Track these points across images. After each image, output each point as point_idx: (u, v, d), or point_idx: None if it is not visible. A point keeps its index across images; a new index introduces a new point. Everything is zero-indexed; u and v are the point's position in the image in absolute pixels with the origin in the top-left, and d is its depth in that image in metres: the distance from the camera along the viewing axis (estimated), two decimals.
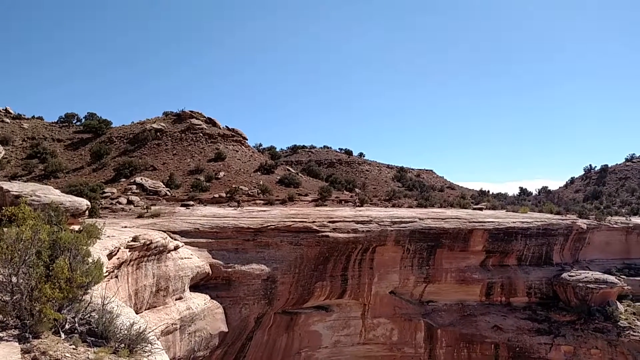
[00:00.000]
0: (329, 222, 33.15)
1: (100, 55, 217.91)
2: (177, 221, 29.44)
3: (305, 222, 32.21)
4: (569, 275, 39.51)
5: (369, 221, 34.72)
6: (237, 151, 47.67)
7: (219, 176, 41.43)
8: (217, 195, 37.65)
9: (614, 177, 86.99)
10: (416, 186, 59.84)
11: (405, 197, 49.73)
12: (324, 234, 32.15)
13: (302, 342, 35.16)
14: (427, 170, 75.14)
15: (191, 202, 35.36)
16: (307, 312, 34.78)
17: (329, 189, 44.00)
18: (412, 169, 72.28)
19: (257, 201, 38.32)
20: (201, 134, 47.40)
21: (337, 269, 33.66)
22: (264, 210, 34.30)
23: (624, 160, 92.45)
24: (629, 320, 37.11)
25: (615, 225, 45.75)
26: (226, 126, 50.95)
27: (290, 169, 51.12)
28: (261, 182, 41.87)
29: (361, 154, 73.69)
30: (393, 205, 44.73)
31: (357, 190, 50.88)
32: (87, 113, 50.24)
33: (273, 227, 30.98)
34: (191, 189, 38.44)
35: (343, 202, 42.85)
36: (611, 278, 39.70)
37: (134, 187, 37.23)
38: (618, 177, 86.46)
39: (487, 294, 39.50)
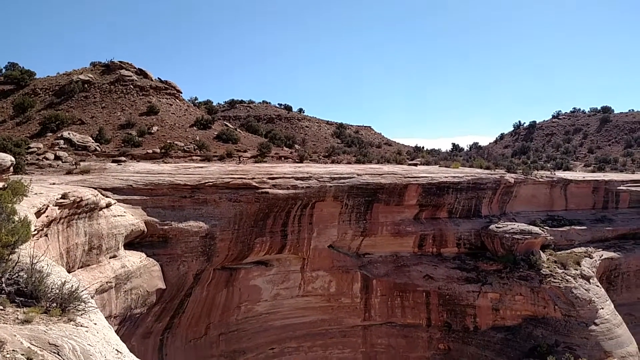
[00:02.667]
0: (269, 178, 33.00)
1: (20, 1, 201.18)
2: (109, 178, 28.32)
3: (244, 178, 31.88)
4: (497, 227, 41.75)
5: (309, 177, 34.87)
6: (171, 105, 46.00)
7: (152, 131, 39.98)
8: (150, 151, 36.44)
9: (541, 133, 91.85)
10: (355, 142, 60.47)
11: (344, 154, 50.22)
12: (263, 190, 32.02)
13: (242, 296, 35.50)
14: (365, 126, 75.94)
15: (123, 158, 34.06)
16: (247, 267, 34.98)
17: (269, 145, 43.66)
18: (351, 125, 72.79)
19: (194, 157, 37.47)
20: (132, 86, 45.22)
21: (276, 225, 33.84)
22: (201, 167, 33.61)
23: (550, 117, 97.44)
24: (550, 268, 39.88)
25: (540, 180, 48.39)
26: (159, 78, 48.88)
27: (228, 124, 50.08)
28: (197, 138, 40.83)
29: (301, 110, 73.24)
30: (332, 162, 45.13)
31: (296, 146, 50.80)
32: (8, 63, 46.62)
33: (211, 183, 30.47)
34: (122, 144, 36.95)
35: (283, 158, 42.73)
36: (535, 229, 42.26)
37: (62, 142, 35.33)
38: (545, 133, 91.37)
39: (419, 245, 41.19)
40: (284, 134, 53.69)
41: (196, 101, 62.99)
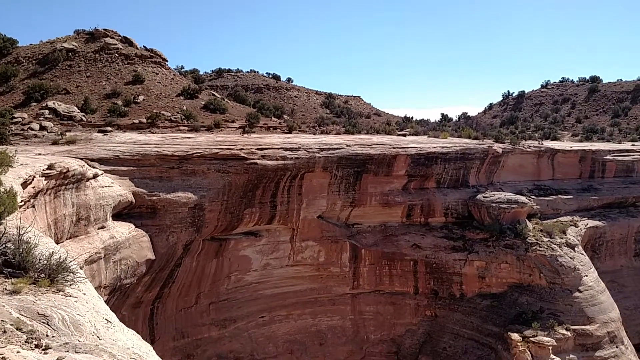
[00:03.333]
0: (257, 149, 32.85)
1: None
2: (95, 148, 28.01)
3: (232, 149, 31.70)
4: (484, 197, 42.13)
5: (298, 148, 34.77)
6: (156, 74, 45.17)
7: (138, 100, 39.36)
8: (137, 121, 35.94)
9: (530, 103, 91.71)
10: (344, 113, 60.10)
11: (333, 124, 49.95)
12: (252, 161, 31.91)
13: (232, 266, 35.77)
14: (354, 96, 75.31)
15: (109, 128, 33.58)
16: (236, 237, 35.13)
17: (257, 115, 43.23)
18: (340, 95, 72.17)
19: (181, 127, 37.09)
20: (117, 55, 44.22)
21: (266, 196, 33.87)
22: (189, 137, 33.31)
23: (539, 86, 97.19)
24: (536, 237, 40.48)
25: (528, 149, 48.62)
26: (144, 46, 47.84)
27: (216, 93, 49.42)
28: (184, 108, 40.34)
29: (289, 79, 72.38)
30: (321, 132, 44.89)
31: (285, 116, 50.38)
32: None
33: (199, 154, 30.26)
34: (108, 114, 36.40)
35: (271, 128, 42.43)
36: (522, 198, 42.70)
37: (47, 111, 34.70)
38: (533, 103, 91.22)
39: (407, 215, 41.56)
40: (273, 104, 53.14)
41: (182, 70, 61.92)
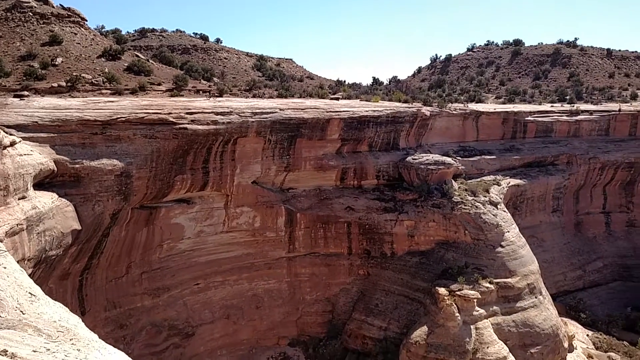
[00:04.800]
0: (187, 113, 31.86)
1: None
2: (11, 114, 26.19)
3: (160, 113, 30.55)
4: (413, 159, 43.44)
5: (230, 112, 34.06)
6: (75, 34, 42.40)
7: (57, 63, 36.96)
8: (55, 85, 33.80)
9: (457, 66, 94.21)
10: (276, 76, 59.25)
11: (265, 87, 49.23)
12: (181, 126, 30.96)
13: (164, 234, 35.05)
14: (287, 59, 74.27)
15: (26, 93, 31.39)
16: (167, 205, 34.31)
17: (185, 77, 41.82)
18: (272, 57, 70.98)
19: (103, 91, 35.27)
20: (31, 14, 41.05)
21: (197, 162, 33.14)
22: (112, 101, 31.70)
23: (465, 50, 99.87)
24: (461, 196, 42.38)
25: (454, 112, 50.29)
26: (60, 5, 44.63)
27: (140, 55, 47.17)
28: (106, 70, 38.29)
29: (218, 40, 70.17)
30: (254, 96, 44.15)
31: (215, 79, 49.04)
32: None
33: (124, 119, 28.95)
34: (24, 78, 33.96)
35: (201, 92, 41.24)
36: (448, 160, 44.40)
37: None
38: (460, 66, 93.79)
39: (341, 178, 42.22)
40: (201, 66, 51.49)
41: (103, 30, 58.20)
